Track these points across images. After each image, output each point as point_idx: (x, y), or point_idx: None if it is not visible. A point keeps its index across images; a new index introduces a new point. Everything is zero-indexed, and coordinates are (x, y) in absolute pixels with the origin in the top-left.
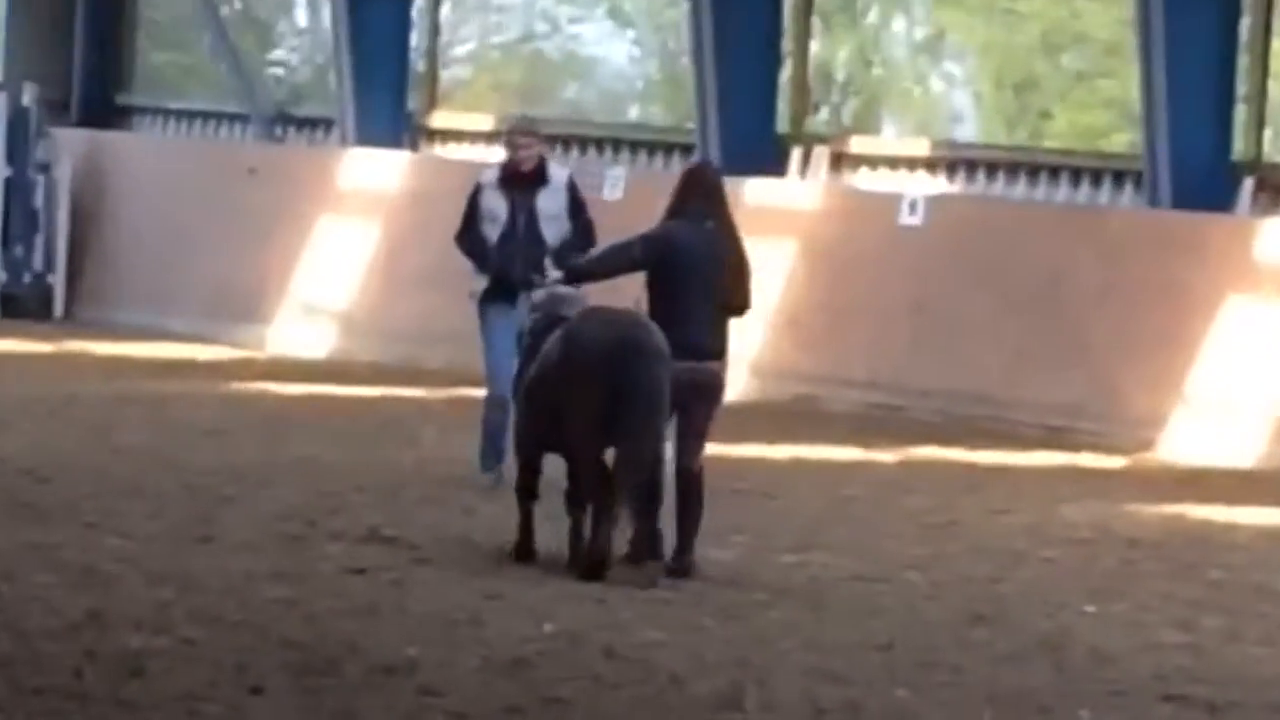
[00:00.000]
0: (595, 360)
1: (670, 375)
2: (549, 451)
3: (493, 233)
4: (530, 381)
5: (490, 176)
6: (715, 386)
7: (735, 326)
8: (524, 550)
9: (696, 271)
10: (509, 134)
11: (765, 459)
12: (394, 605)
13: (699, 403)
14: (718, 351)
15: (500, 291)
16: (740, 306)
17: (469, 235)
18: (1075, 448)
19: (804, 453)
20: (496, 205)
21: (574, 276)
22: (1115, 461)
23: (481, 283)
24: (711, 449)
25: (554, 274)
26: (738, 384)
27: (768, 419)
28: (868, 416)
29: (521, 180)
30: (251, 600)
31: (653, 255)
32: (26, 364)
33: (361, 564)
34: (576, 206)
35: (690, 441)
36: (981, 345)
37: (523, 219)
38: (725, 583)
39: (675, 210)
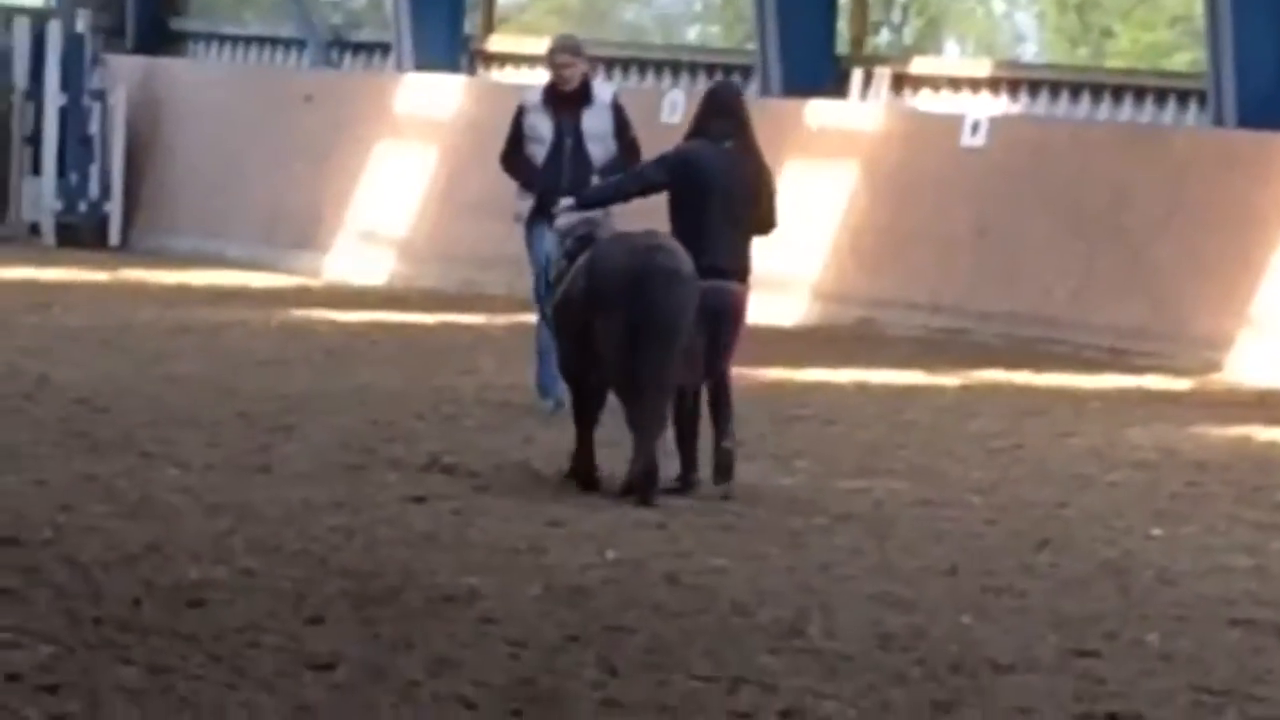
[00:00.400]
0: (617, 286)
1: (695, 297)
2: (587, 373)
3: (539, 153)
4: (558, 307)
5: (534, 97)
6: (736, 307)
7: (799, 250)
8: (583, 475)
9: (715, 191)
10: (551, 54)
11: (827, 384)
12: (454, 534)
13: (721, 323)
14: (739, 271)
15: (546, 212)
16: (763, 227)
17: (514, 157)
18: (1140, 370)
19: (866, 377)
20: (541, 126)
21: (591, 204)
22: (1181, 384)
23: (527, 203)
24: (773, 374)
25: (566, 202)
26: (800, 308)
27: (830, 343)
28: (930, 340)
29: (566, 100)
30: (310, 530)
31: (671, 176)
32: (83, 292)
33: (421, 492)
34: (621, 125)
35: (714, 358)
36: (1045, 267)
37: (569, 140)
38: (788, 509)
39: (695, 130)
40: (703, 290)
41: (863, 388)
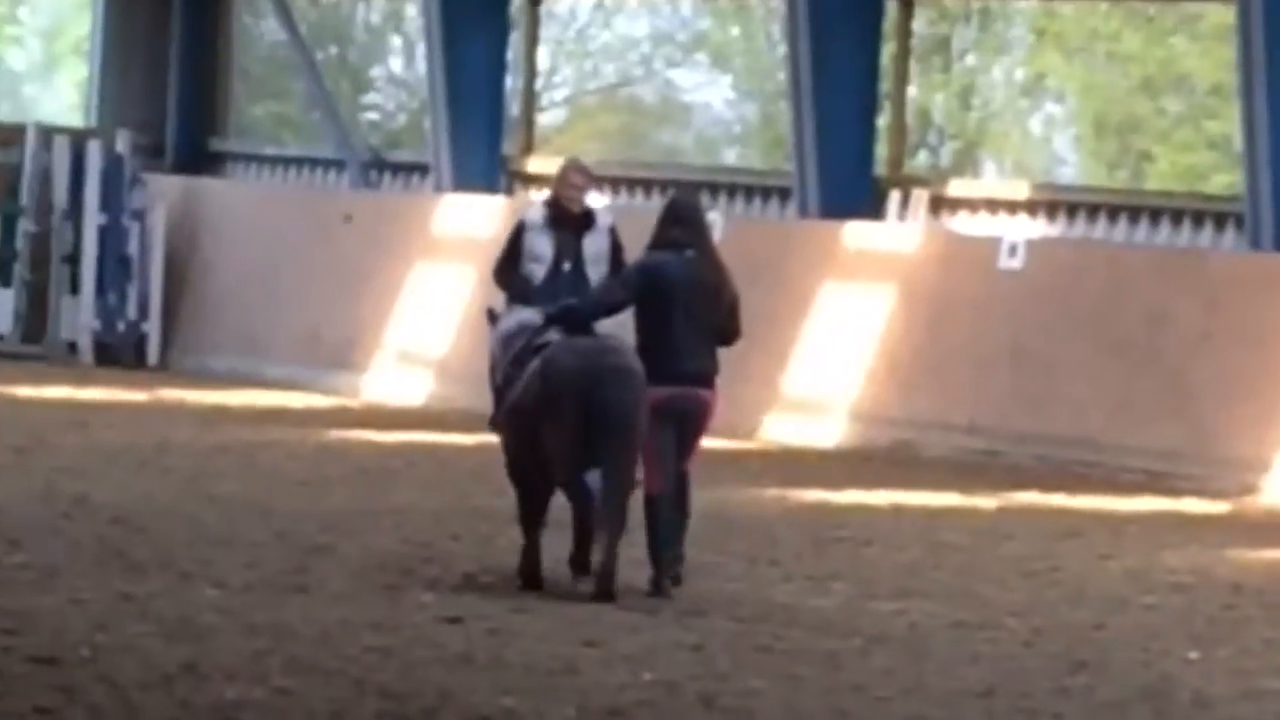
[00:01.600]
0: (571, 389)
1: (644, 395)
2: (536, 476)
3: (537, 272)
4: (510, 412)
5: (535, 216)
6: (702, 411)
7: (836, 372)
8: (529, 575)
9: (677, 300)
10: (565, 173)
11: (864, 505)
12: (490, 654)
13: (686, 426)
14: (704, 377)
15: None
16: (726, 335)
17: (510, 273)
18: (1177, 493)
19: (903, 499)
20: (542, 245)
21: (559, 323)
22: (1217, 507)
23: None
24: (811, 495)
25: (524, 316)
26: (837, 430)
27: (866, 465)
28: (966, 462)
29: (569, 221)
30: (347, 650)
31: (635, 291)
32: (120, 412)
33: (457, 613)
34: (616, 249)
35: (679, 460)
36: (1082, 390)
37: (568, 261)
38: (824, 630)
39: (656, 242)
40: (670, 395)
41: (899, 509)
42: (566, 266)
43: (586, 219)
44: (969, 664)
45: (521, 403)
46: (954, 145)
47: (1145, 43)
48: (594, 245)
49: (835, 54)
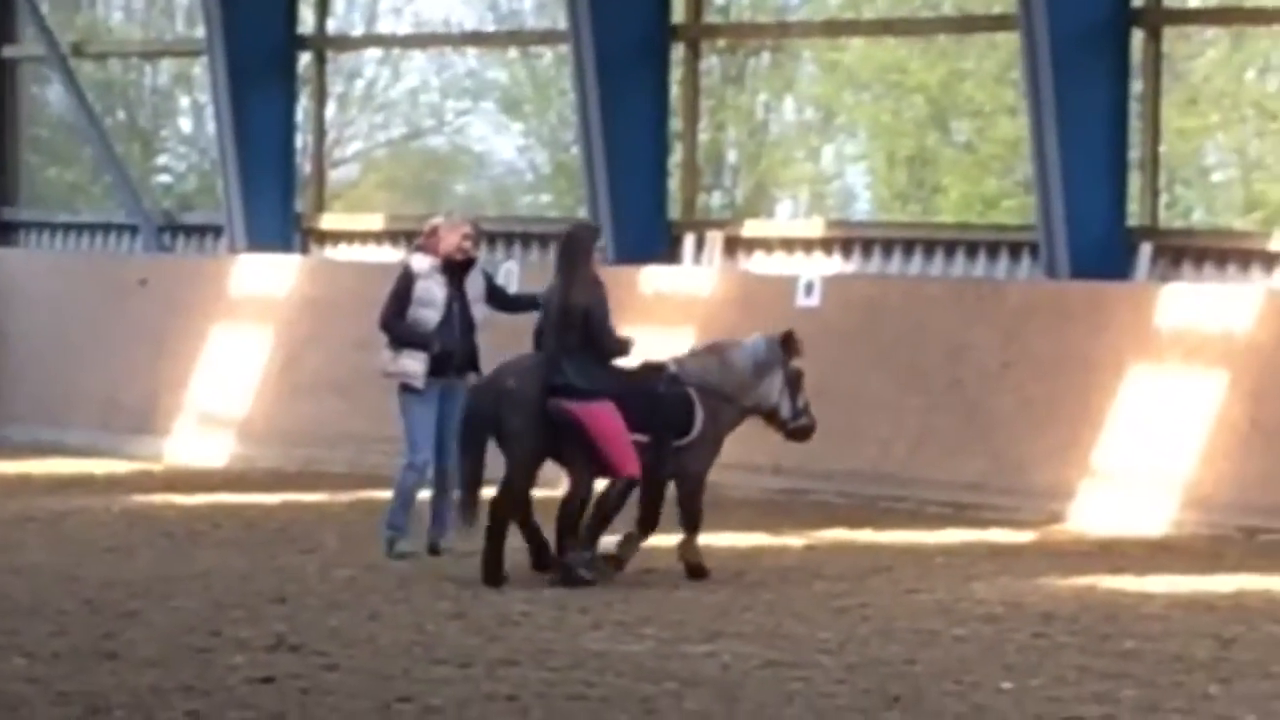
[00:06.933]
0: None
1: (474, 404)
2: None
3: (430, 317)
4: None
5: (425, 264)
6: (570, 421)
7: None
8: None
9: (547, 320)
10: (458, 227)
11: (671, 548)
12: (303, 713)
13: (562, 436)
14: (572, 390)
15: (437, 371)
16: (597, 350)
17: (402, 320)
18: (983, 524)
19: (710, 540)
20: (435, 292)
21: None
22: (1024, 536)
23: (417, 364)
24: (618, 540)
25: None
26: None
27: (674, 508)
28: (773, 502)
29: (459, 268)
30: (159, 715)
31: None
32: None
33: (269, 673)
34: (492, 287)
35: (571, 468)
36: (884, 424)
37: (458, 304)
38: (636, 676)
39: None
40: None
41: (705, 551)
42: (456, 308)
43: (469, 265)
44: (784, 704)
45: None
46: (747, 185)
47: (932, 73)
48: (473, 287)
49: (624, 97)
